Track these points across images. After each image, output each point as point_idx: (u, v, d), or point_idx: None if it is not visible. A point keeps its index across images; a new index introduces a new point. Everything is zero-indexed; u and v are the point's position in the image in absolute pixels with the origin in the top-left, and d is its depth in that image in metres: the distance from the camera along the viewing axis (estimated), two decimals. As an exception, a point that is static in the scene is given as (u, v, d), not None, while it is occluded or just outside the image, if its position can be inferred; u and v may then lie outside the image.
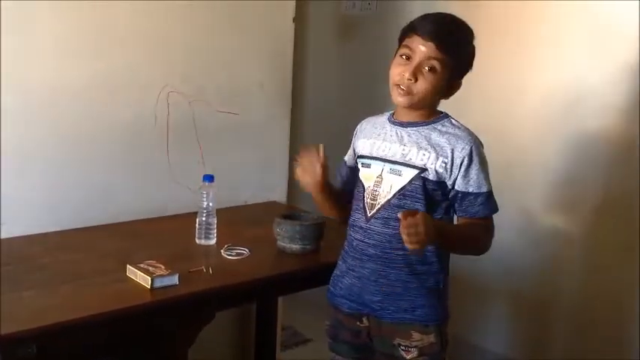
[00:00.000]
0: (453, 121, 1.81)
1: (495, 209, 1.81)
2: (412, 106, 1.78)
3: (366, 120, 1.94)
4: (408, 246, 1.64)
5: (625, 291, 2.71)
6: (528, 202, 2.88)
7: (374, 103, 3.31)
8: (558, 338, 2.92)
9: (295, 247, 2.17)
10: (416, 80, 1.73)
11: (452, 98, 1.81)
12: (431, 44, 1.72)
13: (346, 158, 1.98)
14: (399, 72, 1.75)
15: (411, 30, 1.77)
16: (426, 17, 1.78)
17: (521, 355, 3.03)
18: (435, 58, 1.72)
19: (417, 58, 1.73)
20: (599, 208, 2.79)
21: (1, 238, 2.17)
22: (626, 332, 2.72)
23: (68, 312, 1.71)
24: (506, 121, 2.96)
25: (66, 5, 2.26)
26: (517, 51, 2.96)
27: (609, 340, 2.77)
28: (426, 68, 1.73)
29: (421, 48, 1.73)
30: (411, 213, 1.64)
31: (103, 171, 2.42)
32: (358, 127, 1.95)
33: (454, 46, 1.75)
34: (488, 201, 1.79)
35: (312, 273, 2.18)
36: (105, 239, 2.25)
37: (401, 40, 1.79)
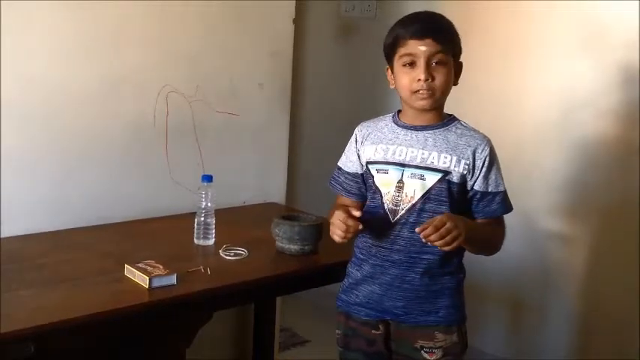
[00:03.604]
0: (462, 122, 1.82)
1: (510, 208, 1.83)
2: (432, 107, 1.77)
3: (364, 125, 1.89)
4: (445, 248, 1.66)
5: (625, 293, 2.71)
6: (528, 204, 2.88)
7: (373, 103, 3.33)
8: (558, 341, 2.92)
9: (294, 248, 2.17)
10: (433, 79, 1.73)
11: (448, 101, 1.81)
12: (428, 40, 1.73)
13: (347, 166, 1.90)
14: (411, 79, 1.74)
15: (400, 39, 1.76)
16: (405, 22, 1.78)
17: (521, 358, 3.03)
18: (438, 52, 1.73)
19: (422, 59, 1.73)
20: (599, 210, 2.79)
21: (0, 237, 2.17)
22: (627, 334, 2.72)
23: (66, 311, 1.71)
24: (504, 124, 2.95)
25: (66, 5, 2.26)
26: (514, 53, 2.97)
27: (609, 342, 2.78)
28: (434, 64, 1.73)
29: (421, 48, 1.73)
30: (427, 223, 1.65)
31: (101, 171, 2.42)
32: (358, 132, 1.88)
33: (446, 32, 1.77)
34: (505, 200, 1.81)
35: (310, 274, 2.18)
36: (103, 239, 2.25)
37: (391, 54, 1.79)
